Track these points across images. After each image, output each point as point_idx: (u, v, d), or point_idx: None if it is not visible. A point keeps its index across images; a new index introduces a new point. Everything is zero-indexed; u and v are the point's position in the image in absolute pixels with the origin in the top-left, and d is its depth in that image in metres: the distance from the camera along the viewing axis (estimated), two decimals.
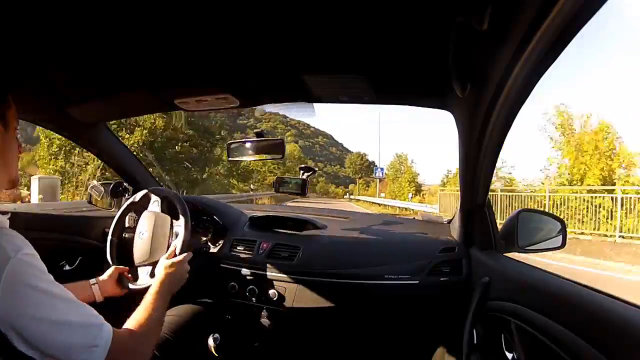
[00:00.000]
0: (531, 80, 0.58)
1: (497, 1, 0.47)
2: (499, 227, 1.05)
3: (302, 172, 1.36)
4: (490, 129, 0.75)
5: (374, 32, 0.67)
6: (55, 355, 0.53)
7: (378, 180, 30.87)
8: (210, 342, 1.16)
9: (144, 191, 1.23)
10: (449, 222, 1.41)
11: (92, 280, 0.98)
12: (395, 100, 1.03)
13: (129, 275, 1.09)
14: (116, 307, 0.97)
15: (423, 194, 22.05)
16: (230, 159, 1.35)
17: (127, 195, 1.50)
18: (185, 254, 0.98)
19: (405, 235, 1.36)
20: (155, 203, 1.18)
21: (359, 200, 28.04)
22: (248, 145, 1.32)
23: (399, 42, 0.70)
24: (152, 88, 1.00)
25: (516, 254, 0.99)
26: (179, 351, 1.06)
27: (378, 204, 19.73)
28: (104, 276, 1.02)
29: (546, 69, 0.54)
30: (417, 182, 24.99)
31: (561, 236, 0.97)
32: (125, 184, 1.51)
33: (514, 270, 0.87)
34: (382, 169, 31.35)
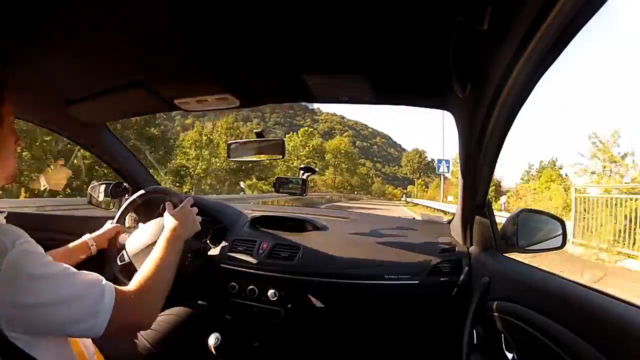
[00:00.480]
0: (531, 81, 0.58)
1: (497, 1, 0.47)
2: (499, 227, 1.05)
3: (302, 172, 1.36)
4: (490, 129, 0.75)
5: (375, 33, 0.67)
6: (60, 333, 0.55)
7: (442, 178, 23.49)
8: (211, 341, 1.16)
9: (142, 191, 1.24)
10: (449, 222, 1.41)
11: (89, 240, 1.05)
12: (396, 100, 1.03)
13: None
14: None
15: (509, 198, 14.78)
16: (230, 158, 1.35)
17: (127, 195, 1.50)
18: (187, 199, 0.97)
19: (406, 235, 1.36)
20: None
21: (416, 204, 22.21)
22: (248, 145, 1.32)
23: (399, 43, 0.70)
24: (153, 88, 1.00)
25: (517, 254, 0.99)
26: (178, 351, 1.06)
27: (444, 211, 12.88)
28: (101, 231, 1.10)
29: (546, 69, 0.54)
30: (495, 181, 15.96)
31: (561, 236, 0.97)
32: (125, 184, 1.52)
33: (514, 271, 0.87)
34: (447, 161, 24.04)
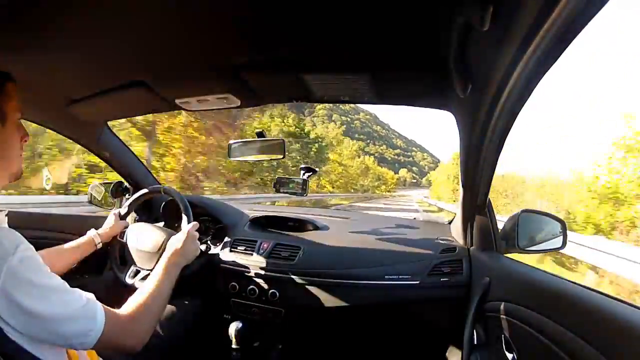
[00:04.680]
0: (533, 81, 0.58)
1: (498, 1, 0.47)
2: (500, 227, 1.05)
3: (302, 172, 1.36)
4: (491, 129, 0.75)
5: (375, 32, 0.67)
6: (52, 344, 0.55)
7: None
8: (231, 331, 1.19)
9: (146, 190, 1.25)
10: (450, 222, 1.41)
11: (95, 236, 1.07)
12: (396, 100, 1.03)
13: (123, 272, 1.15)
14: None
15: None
16: (231, 158, 1.36)
17: (127, 194, 1.50)
18: (190, 225, 1.00)
19: (406, 235, 1.36)
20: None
21: None
22: (249, 145, 1.33)
23: (400, 42, 0.70)
24: (154, 87, 1.00)
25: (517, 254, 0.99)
26: (177, 351, 1.06)
27: None
28: (106, 226, 1.15)
29: (548, 69, 0.54)
30: None
31: (562, 237, 0.97)
32: (125, 183, 1.52)
33: (514, 271, 0.87)
34: None
